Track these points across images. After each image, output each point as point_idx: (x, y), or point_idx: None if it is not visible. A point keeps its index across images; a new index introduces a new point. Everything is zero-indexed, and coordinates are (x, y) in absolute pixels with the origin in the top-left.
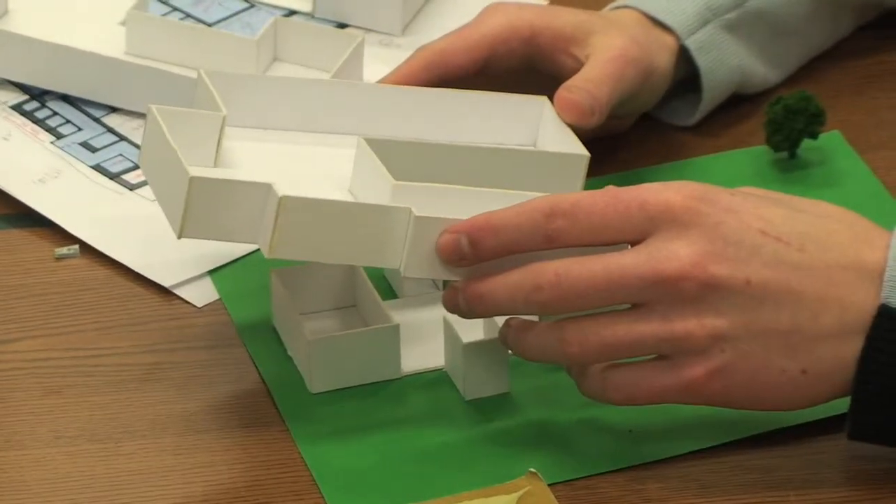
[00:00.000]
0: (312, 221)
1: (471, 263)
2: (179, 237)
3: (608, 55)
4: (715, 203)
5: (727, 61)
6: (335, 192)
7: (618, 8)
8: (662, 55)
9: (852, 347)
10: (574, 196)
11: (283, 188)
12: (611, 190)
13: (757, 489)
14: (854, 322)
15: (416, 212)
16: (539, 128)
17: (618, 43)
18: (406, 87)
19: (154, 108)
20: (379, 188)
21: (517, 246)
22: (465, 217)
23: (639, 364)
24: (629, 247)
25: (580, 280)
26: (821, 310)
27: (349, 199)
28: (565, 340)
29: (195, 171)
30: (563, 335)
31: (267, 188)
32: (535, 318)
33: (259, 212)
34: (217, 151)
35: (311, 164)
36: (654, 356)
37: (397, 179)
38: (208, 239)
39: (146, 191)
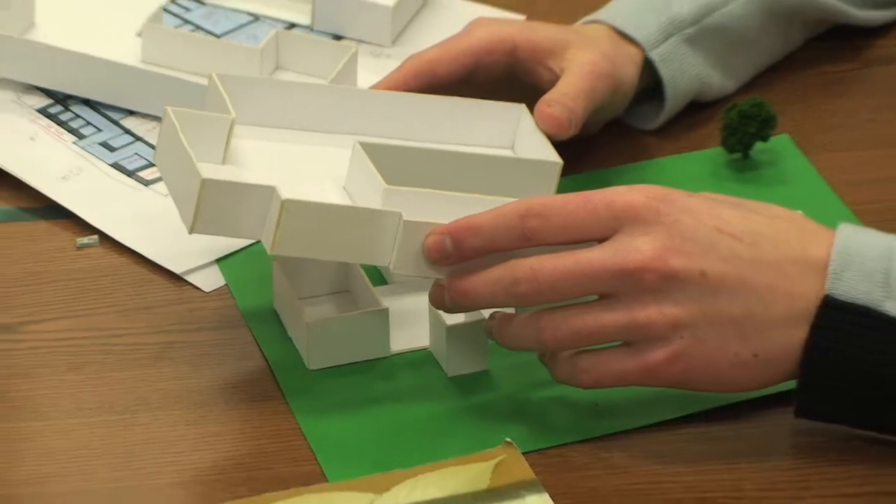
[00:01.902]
0: (312, 222)
1: (454, 262)
2: (191, 233)
3: (582, 70)
4: (674, 203)
5: (687, 72)
6: (332, 190)
7: (590, 22)
8: (629, 68)
9: (799, 334)
10: (547, 199)
11: (286, 191)
12: (580, 193)
13: (711, 459)
14: (801, 311)
15: (405, 216)
16: (517, 132)
17: (590, 58)
18: (396, 92)
19: (170, 109)
20: (372, 190)
21: (496, 245)
22: (449, 220)
23: (605, 350)
24: (597, 244)
25: (553, 274)
26: (771, 300)
27: (345, 197)
28: (541, 329)
29: (207, 174)
30: (539, 324)
31: (271, 191)
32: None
33: (264, 211)
34: (226, 151)
35: (310, 162)
36: (619, 343)
37: (387, 179)
38: (217, 235)
39: (160, 186)
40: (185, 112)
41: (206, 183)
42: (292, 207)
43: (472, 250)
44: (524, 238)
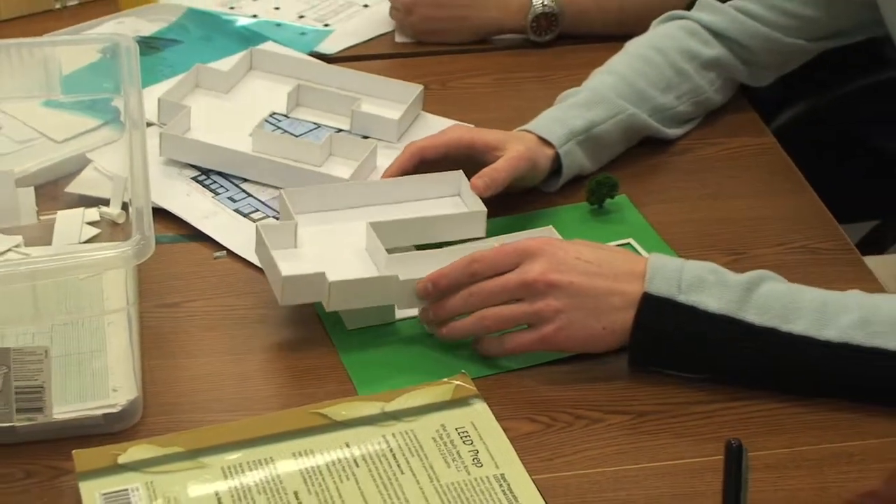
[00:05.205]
0: (348, 289)
1: (434, 296)
2: (281, 304)
3: (512, 156)
4: (552, 245)
5: (576, 161)
6: (356, 256)
7: (522, 130)
8: (544, 159)
9: (630, 315)
10: (482, 252)
11: (331, 274)
12: (500, 247)
13: (579, 383)
14: (631, 301)
15: (401, 277)
16: (460, 187)
17: (520, 149)
18: (391, 179)
19: (258, 226)
20: (380, 256)
21: (457, 283)
22: (427, 272)
23: (518, 330)
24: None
25: (488, 291)
26: (613, 296)
27: (366, 256)
28: (484, 318)
29: (286, 272)
30: (483, 316)
31: (322, 275)
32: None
33: (320, 286)
34: (294, 239)
35: (344, 234)
36: (526, 326)
37: (390, 239)
38: (296, 302)
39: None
40: (269, 225)
41: (285, 279)
42: (336, 284)
43: (444, 289)
44: (471, 276)
